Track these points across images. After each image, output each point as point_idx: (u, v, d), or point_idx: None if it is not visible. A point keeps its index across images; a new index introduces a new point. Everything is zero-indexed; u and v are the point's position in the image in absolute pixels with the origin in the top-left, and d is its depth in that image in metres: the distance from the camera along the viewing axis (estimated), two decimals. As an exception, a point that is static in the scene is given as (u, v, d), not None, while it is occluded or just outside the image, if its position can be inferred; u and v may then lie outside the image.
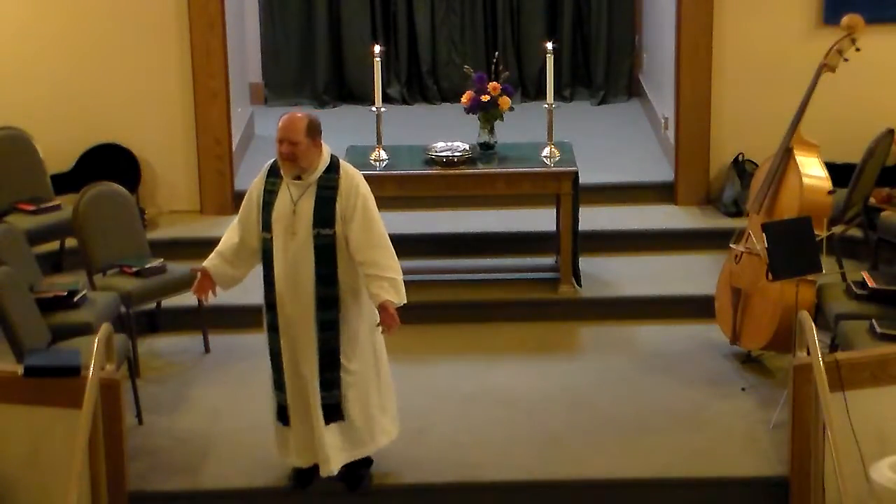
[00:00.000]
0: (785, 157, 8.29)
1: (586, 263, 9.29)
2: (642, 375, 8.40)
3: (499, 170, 9.14)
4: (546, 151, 9.22)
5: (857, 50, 8.28)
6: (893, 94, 9.87)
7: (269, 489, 7.32)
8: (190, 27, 10.00)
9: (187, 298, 8.34)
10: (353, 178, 6.99)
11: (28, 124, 9.70)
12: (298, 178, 6.97)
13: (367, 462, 7.31)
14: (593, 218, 9.67)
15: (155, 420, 7.94)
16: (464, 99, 9.24)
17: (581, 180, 9.13)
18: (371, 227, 6.95)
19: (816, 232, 7.80)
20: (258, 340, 7.26)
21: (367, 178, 7.11)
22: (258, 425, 7.49)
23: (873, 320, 7.74)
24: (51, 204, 9.41)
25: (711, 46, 9.96)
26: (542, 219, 9.72)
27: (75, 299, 8.10)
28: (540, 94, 11.58)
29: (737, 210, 9.86)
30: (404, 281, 7.02)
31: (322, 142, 7.00)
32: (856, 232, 9.27)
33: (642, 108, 12.00)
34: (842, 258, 9.04)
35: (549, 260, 9.52)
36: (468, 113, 9.30)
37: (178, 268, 8.69)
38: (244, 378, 8.31)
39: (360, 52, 11.88)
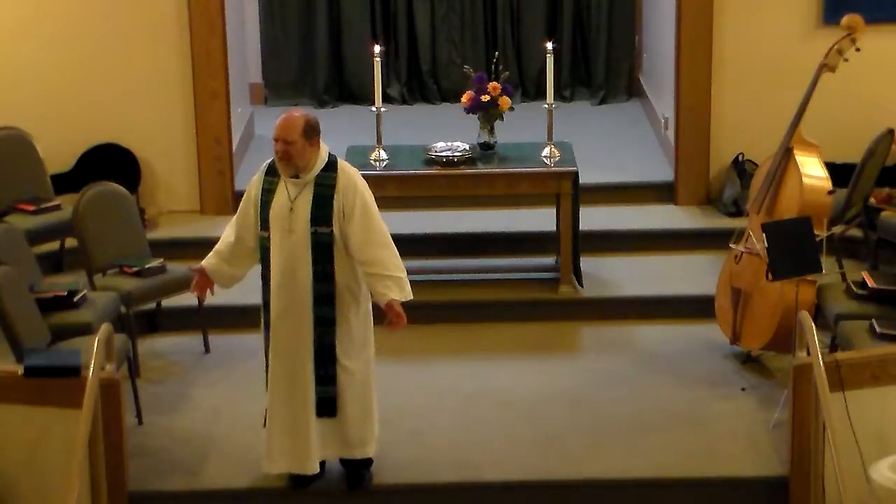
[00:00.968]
0: (785, 157, 8.29)
1: (586, 263, 9.28)
2: (642, 375, 8.40)
3: (499, 170, 9.14)
4: (546, 151, 9.21)
5: (857, 50, 8.29)
6: (893, 94, 9.87)
7: (269, 489, 7.31)
8: (190, 27, 9.99)
9: (187, 298, 8.35)
10: (351, 176, 6.99)
11: (28, 124, 9.69)
12: (296, 176, 6.96)
13: (367, 462, 7.31)
14: (593, 218, 9.66)
15: (155, 420, 7.94)
16: (464, 99, 9.24)
17: (581, 180, 9.13)
18: (371, 226, 6.94)
19: (816, 232, 7.80)
20: (258, 340, 7.26)
21: (366, 178, 7.12)
22: (258, 425, 7.48)
23: (873, 320, 7.73)
24: (51, 204, 9.40)
25: (711, 46, 9.96)
26: (542, 219, 9.72)
27: (75, 299, 8.10)
28: (540, 94, 11.57)
29: (737, 210, 9.85)
30: (405, 281, 7.04)
31: (321, 141, 7.00)
32: (856, 232, 9.27)
33: (642, 108, 11.99)
34: (842, 258, 9.04)
35: (549, 260, 9.51)
36: (468, 113, 9.30)
37: (178, 268, 8.69)
38: (244, 378, 8.30)
39: (360, 52, 11.87)
